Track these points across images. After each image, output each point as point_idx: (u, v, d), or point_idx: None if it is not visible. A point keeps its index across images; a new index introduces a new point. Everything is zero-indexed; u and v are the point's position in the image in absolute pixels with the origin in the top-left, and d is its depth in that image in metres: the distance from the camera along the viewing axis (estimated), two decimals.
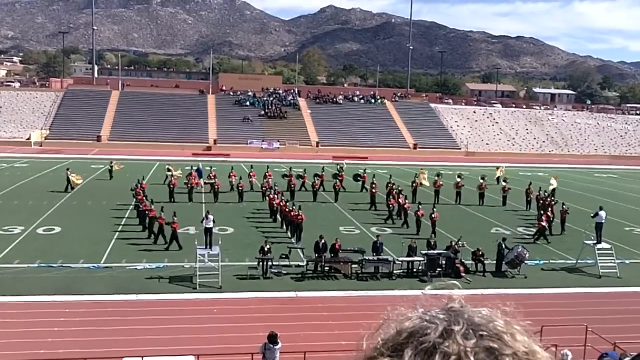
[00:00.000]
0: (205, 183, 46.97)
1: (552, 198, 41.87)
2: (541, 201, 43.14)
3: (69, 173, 48.12)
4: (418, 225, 36.13)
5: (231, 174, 48.73)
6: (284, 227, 36.32)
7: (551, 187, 48.31)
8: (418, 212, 36.57)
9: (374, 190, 44.98)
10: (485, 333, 1.37)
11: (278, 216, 38.42)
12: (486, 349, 1.34)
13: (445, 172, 59.96)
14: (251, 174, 49.35)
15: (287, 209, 35.57)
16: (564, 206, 38.97)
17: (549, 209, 39.00)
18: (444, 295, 1.55)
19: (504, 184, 48.67)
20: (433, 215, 36.09)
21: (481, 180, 48.32)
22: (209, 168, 51.14)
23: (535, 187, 47.05)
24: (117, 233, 34.26)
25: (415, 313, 1.47)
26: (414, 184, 47.59)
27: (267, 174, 48.21)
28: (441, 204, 43.78)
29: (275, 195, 39.64)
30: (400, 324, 1.44)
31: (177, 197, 44.13)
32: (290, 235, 34.09)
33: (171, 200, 43.25)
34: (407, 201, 40.27)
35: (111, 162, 56.21)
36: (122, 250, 30.87)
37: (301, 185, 49.03)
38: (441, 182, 47.68)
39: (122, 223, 36.77)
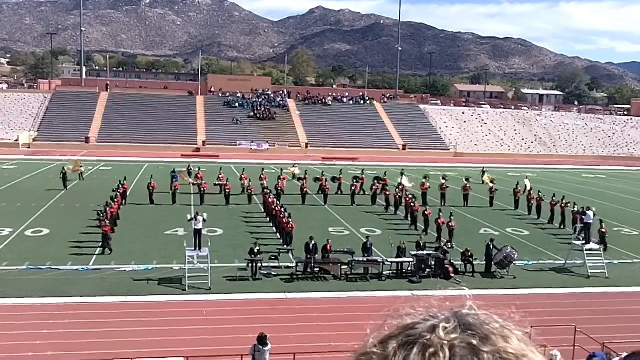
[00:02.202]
0: (215, 184, 46.83)
1: (564, 201, 41.61)
2: (533, 201, 43.56)
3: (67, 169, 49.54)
4: (439, 233, 35.13)
5: (242, 176, 48.70)
6: (276, 231, 36.11)
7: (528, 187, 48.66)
8: (439, 220, 35.53)
9: (387, 193, 45.00)
10: (471, 332, 1.39)
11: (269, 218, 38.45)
12: (467, 344, 1.36)
13: (435, 172, 60.06)
14: (262, 176, 49.07)
15: (280, 215, 34.99)
16: (576, 207, 39.25)
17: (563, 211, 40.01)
18: (451, 297, 1.57)
19: (491, 185, 48.75)
20: (451, 224, 34.79)
21: (465, 182, 48.37)
22: (220, 169, 50.76)
23: (522, 187, 47.45)
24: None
25: (421, 312, 1.49)
26: (400, 186, 47.86)
27: (281, 177, 48.71)
28: (428, 206, 43.83)
29: (275, 199, 39.45)
30: (401, 322, 1.47)
31: (159, 200, 43.95)
32: (282, 242, 33.54)
33: (151, 203, 43.52)
34: (428, 207, 40.02)
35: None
36: (111, 253, 30.75)
37: (319, 188, 48.60)
38: (428, 185, 47.75)
39: None
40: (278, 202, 39.05)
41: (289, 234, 32.67)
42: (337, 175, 51.76)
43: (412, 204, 40.60)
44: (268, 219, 38.97)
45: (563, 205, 40.64)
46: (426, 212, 38.07)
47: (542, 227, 40.81)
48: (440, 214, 36.41)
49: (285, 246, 31.98)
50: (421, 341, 1.38)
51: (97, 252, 30.38)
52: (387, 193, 45.08)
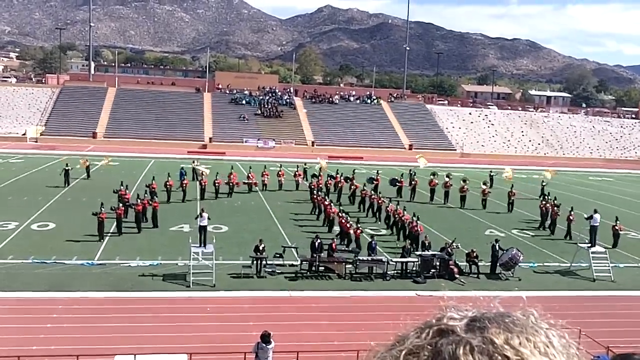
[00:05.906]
0: (244, 183, 47.81)
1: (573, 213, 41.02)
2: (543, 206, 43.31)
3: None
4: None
5: (264, 172, 49.69)
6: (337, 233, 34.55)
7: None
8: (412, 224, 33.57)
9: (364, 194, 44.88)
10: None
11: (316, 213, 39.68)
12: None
13: (441, 173, 59.90)
14: (280, 172, 50.29)
15: (343, 221, 33.79)
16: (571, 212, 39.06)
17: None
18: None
19: (483, 187, 48.22)
20: (416, 227, 33.09)
21: (462, 183, 48.10)
22: (249, 168, 50.84)
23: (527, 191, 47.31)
24: (111, 230, 34.14)
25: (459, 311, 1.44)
26: (413, 182, 48.57)
27: (307, 173, 50.31)
28: (433, 204, 43.87)
29: (330, 204, 38.93)
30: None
31: (165, 196, 43.37)
32: (340, 243, 32.23)
33: (167, 201, 42.51)
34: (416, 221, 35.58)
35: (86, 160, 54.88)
36: (116, 248, 30.80)
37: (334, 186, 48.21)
38: (436, 182, 47.98)
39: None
40: (338, 206, 38.91)
41: (357, 239, 31.64)
42: (375, 176, 50.53)
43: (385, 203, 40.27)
44: (325, 220, 37.83)
45: (570, 217, 39.20)
46: (378, 201, 40.47)
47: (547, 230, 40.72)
48: (414, 218, 33.89)
49: (345, 247, 31.48)
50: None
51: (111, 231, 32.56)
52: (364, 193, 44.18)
